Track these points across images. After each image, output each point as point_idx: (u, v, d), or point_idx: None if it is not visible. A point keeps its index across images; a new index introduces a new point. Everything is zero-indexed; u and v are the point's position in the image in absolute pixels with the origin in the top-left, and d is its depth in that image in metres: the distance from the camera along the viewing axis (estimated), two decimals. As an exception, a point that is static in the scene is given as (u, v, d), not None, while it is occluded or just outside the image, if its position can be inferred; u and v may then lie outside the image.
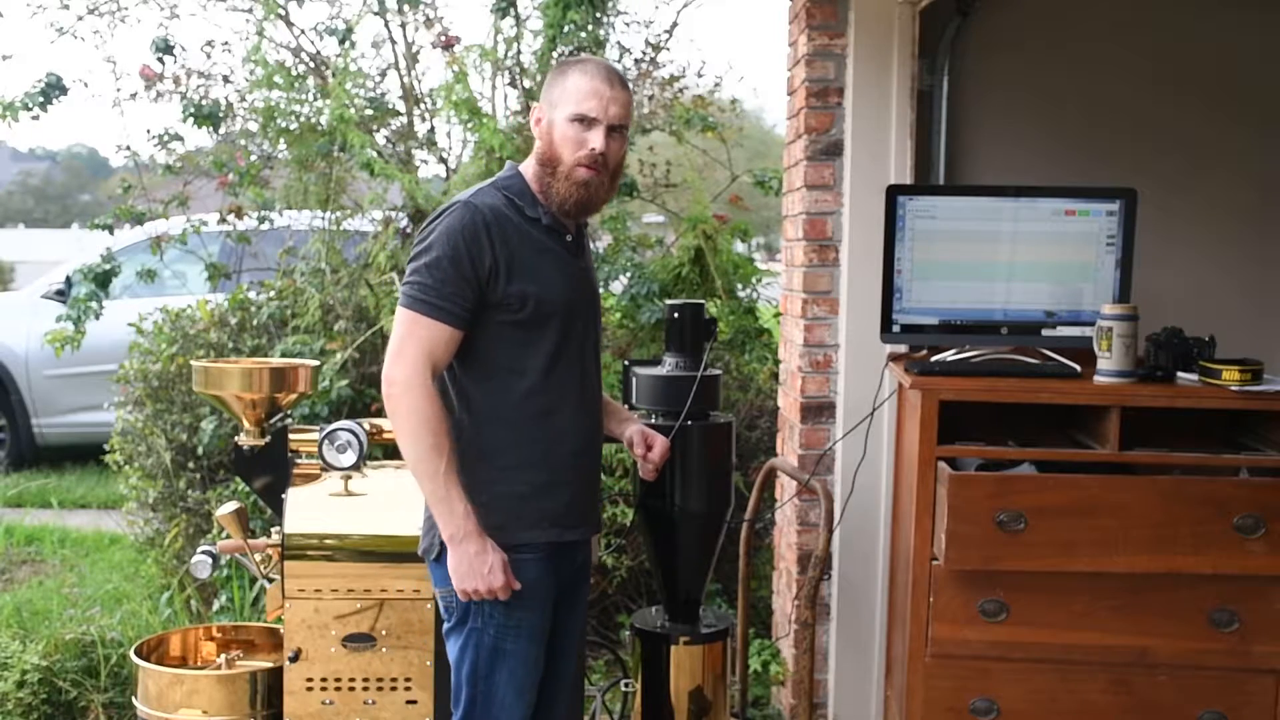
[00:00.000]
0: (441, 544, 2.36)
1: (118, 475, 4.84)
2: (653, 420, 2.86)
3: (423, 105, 5.14)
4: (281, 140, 4.85)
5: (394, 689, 2.90)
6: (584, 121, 2.34)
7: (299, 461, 3.08)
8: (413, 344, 2.28)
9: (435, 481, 2.29)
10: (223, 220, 5.04)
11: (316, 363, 3.16)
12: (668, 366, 2.90)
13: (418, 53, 5.13)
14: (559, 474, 2.41)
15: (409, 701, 2.90)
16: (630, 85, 2.50)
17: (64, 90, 4.85)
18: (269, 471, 3.02)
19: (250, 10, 5.03)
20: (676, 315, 2.91)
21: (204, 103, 4.89)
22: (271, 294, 4.85)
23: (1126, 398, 2.71)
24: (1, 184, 32.63)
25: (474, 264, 2.29)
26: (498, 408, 2.37)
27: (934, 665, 2.77)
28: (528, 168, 2.43)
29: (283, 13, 4.96)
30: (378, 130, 5.02)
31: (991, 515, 2.66)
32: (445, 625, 2.46)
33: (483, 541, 2.30)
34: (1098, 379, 2.81)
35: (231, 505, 2.97)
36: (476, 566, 2.30)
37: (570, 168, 2.35)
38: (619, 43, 5.09)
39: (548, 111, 2.39)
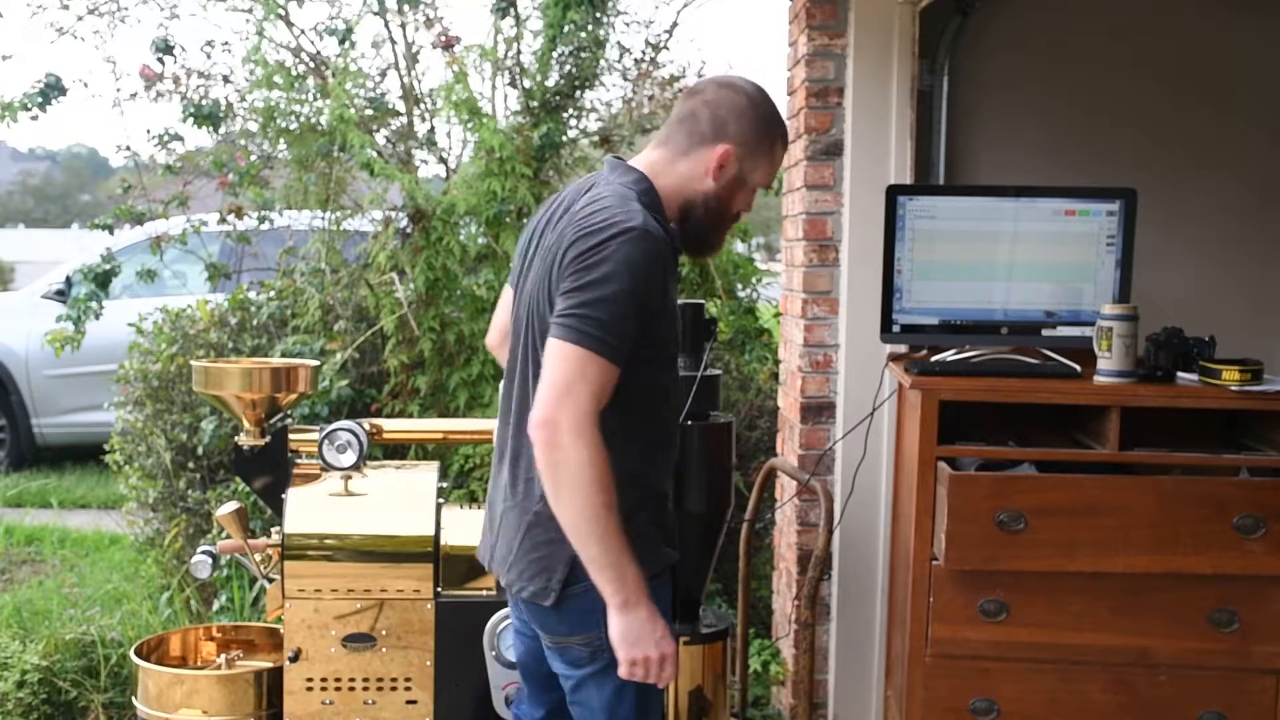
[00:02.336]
0: (564, 590, 2.14)
1: (118, 475, 4.84)
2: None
3: (423, 105, 5.14)
4: (281, 140, 4.85)
5: (394, 689, 2.90)
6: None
7: (299, 461, 3.08)
8: (584, 386, 2.00)
9: (606, 544, 2.03)
10: (223, 220, 5.03)
11: (316, 363, 3.16)
12: (668, 366, 2.89)
13: (418, 53, 5.13)
14: (666, 494, 2.31)
15: (409, 701, 2.90)
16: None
17: (64, 90, 4.84)
18: (269, 471, 3.02)
19: (250, 10, 5.03)
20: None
21: (204, 103, 4.88)
22: (271, 294, 4.85)
23: (1126, 398, 2.71)
24: (1, 184, 32.63)
25: (646, 303, 2.07)
26: (636, 439, 2.17)
27: (934, 665, 2.76)
28: (665, 183, 2.20)
29: (283, 13, 4.96)
30: (378, 130, 5.02)
31: (991, 515, 2.66)
32: (586, 670, 2.22)
33: (652, 605, 2.09)
34: (1098, 379, 2.81)
35: (231, 505, 2.97)
36: (649, 632, 2.08)
37: (730, 221, 2.27)
38: (619, 43, 5.10)
39: (745, 165, 2.20)
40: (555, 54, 4.79)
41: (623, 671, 2.12)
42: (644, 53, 5.22)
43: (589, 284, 2.02)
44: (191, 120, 4.85)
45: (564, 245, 2.08)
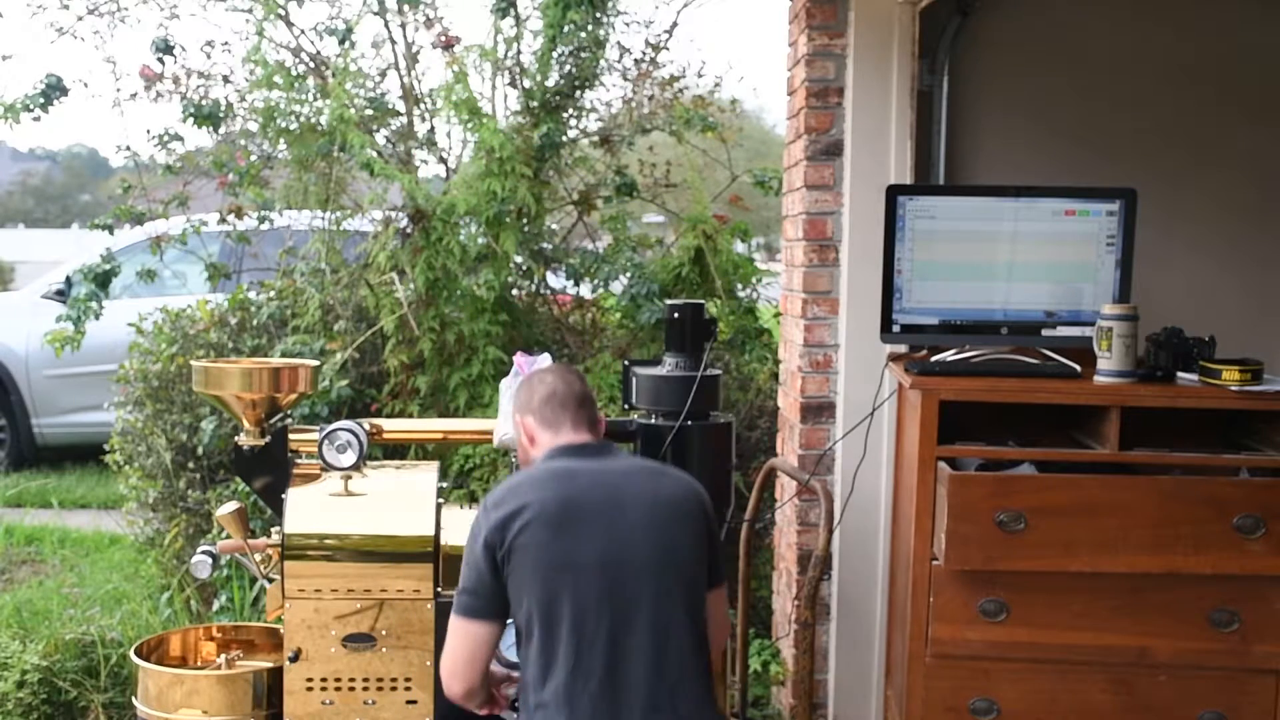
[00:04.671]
0: None
1: (118, 475, 4.84)
2: (653, 420, 2.86)
3: (423, 105, 5.14)
4: (281, 140, 4.85)
5: (394, 689, 2.90)
6: None
7: (299, 461, 3.08)
8: None
9: None
10: (223, 220, 5.04)
11: (316, 363, 3.16)
12: (668, 366, 2.90)
13: (418, 53, 5.13)
14: None
15: (409, 701, 2.90)
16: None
17: (64, 91, 4.85)
18: (269, 471, 3.01)
19: (250, 10, 5.03)
20: (676, 315, 2.91)
21: (204, 103, 4.89)
22: (271, 294, 4.85)
23: (1126, 398, 2.71)
24: (1, 184, 32.61)
25: None
26: None
27: (934, 665, 2.76)
28: None
29: (283, 13, 4.96)
30: (378, 130, 5.02)
31: (991, 515, 2.66)
32: None
33: None
34: (1098, 379, 2.81)
35: (231, 505, 2.97)
36: None
37: None
38: (619, 43, 5.09)
39: None
40: (555, 54, 4.78)
41: None
42: (644, 53, 5.21)
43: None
44: (191, 120, 4.86)
45: (697, 515, 2.43)
